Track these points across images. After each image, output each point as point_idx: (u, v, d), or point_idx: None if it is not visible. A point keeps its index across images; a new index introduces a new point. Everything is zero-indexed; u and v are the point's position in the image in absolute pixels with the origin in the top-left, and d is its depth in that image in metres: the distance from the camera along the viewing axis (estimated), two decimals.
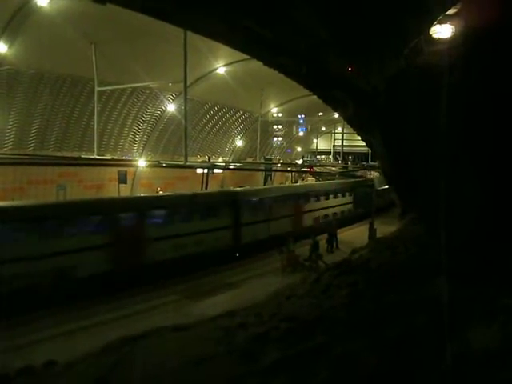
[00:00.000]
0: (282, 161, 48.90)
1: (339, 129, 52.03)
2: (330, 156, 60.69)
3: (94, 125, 25.17)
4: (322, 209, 25.98)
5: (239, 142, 43.48)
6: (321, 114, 43.89)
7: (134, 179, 30.90)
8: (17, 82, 23.55)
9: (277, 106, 41.22)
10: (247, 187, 30.57)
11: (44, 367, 6.47)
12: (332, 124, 55.22)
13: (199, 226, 17.44)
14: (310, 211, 24.76)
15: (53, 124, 26.96)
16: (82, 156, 27.03)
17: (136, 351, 6.04)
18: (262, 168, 38.31)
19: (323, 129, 57.60)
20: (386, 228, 20.10)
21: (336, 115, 34.74)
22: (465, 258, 6.19)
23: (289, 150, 54.58)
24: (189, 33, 16.23)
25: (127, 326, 10.10)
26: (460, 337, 4.54)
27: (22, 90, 24.10)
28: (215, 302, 12.40)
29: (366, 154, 51.04)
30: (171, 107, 31.53)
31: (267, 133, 45.22)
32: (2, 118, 23.92)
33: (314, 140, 60.02)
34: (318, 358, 4.79)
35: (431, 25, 5.91)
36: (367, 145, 12.96)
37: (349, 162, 53.84)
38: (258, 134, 39.27)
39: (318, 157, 60.22)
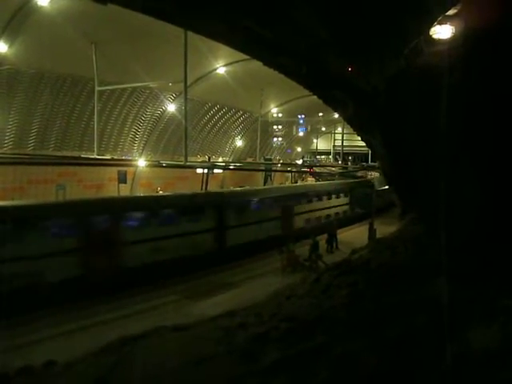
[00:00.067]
0: (281, 161, 48.92)
1: (339, 129, 52.06)
2: (330, 156, 60.72)
3: (94, 124, 25.19)
4: (315, 210, 25.10)
5: (239, 142, 43.50)
6: (321, 114, 43.92)
7: (133, 179, 30.91)
8: (17, 81, 23.56)
9: (277, 106, 41.25)
10: (247, 187, 30.61)
11: (43, 367, 6.47)
12: (332, 124, 55.26)
13: (180, 228, 16.70)
14: (303, 213, 23.92)
15: (53, 124, 26.97)
16: (82, 156, 27.04)
17: (136, 351, 6.04)
18: (262, 168, 38.32)
19: (323, 129, 57.62)
20: (385, 228, 20.09)
21: (336, 115, 34.77)
22: (465, 258, 6.19)
23: (289, 151, 54.60)
24: (189, 33, 16.26)
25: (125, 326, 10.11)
26: (460, 337, 4.54)
27: (23, 90, 24.10)
28: (215, 302, 12.40)
29: (366, 155, 51.12)
30: (171, 107, 31.55)
31: (267, 133, 45.24)
32: (2, 117, 23.93)
33: (314, 140, 60.06)
34: (318, 357, 4.79)
35: (431, 25, 5.91)
36: (367, 145, 12.95)
37: (349, 163, 53.88)
38: (258, 134, 39.30)
39: (317, 157, 60.26)
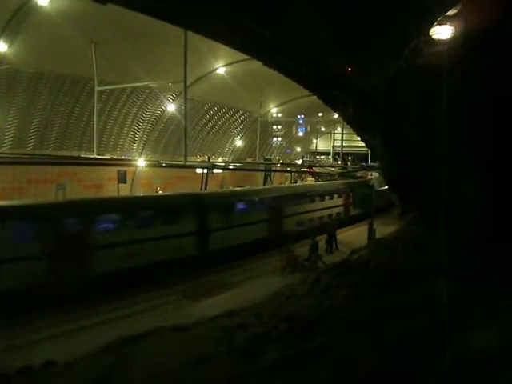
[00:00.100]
0: (281, 161, 48.92)
1: (339, 129, 52.04)
2: (330, 156, 60.72)
3: (93, 124, 25.16)
4: (307, 212, 24.26)
5: (239, 142, 43.49)
6: (320, 114, 43.91)
7: (133, 179, 30.89)
8: (17, 81, 23.53)
9: (276, 107, 41.24)
10: (245, 187, 30.59)
11: (43, 367, 6.47)
12: (331, 124, 55.27)
13: (158, 232, 15.90)
14: (293, 215, 23.10)
15: (52, 123, 26.94)
16: (82, 155, 27.02)
17: (136, 351, 6.04)
18: (262, 168, 38.31)
19: (323, 129, 57.64)
20: (385, 228, 20.12)
21: (336, 116, 34.76)
22: (465, 258, 6.19)
23: (288, 151, 54.61)
24: (189, 33, 16.24)
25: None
26: (460, 337, 4.54)
27: (22, 89, 24.07)
28: (215, 303, 12.39)
29: (366, 155, 51.15)
30: (171, 107, 31.53)
31: (267, 133, 45.24)
32: (1, 117, 23.90)
33: (314, 140, 60.05)
34: (318, 358, 4.79)
35: (431, 26, 5.91)
36: (366, 145, 12.97)
37: (348, 163, 53.90)
38: (258, 134, 39.27)
39: (317, 157, 60.26)
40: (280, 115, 42.50)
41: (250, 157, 44.74)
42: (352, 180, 32.92)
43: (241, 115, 41.31)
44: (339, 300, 7.56)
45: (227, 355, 5.42)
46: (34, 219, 13.17)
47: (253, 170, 38.10)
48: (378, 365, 4.32)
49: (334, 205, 27.50)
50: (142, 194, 27.80)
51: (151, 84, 26.52)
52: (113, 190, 28.33)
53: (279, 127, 46.38)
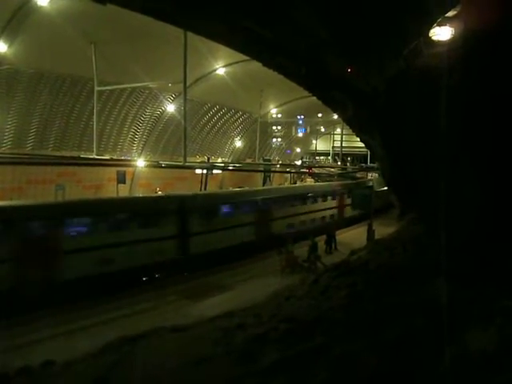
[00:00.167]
0: (280, 162, 48.92)
1: (338, 130, 52.09)
2: (329, 157, 60.74)
3: (93, 124, 25.16)
4: (296, 215, 23.55)
5: (238, 143, 43.51)
6: (320, 115, 43.92)
7: (132, 179, 30.88)
8: (16, 81, 23.53)
9: (276, 107, 41.25)
10: (246, 188, 30.57)
11: (42, 367, 6.46)
12: (331, 125, 55.31)
13: (135, 235, 15.27)
14: (281, 218, 22.45)
15: (52, 123, 26.95)
16: (81, 156, 27.00)
17: (135, 351, 6.04)
18: (261, 169, 38.31)
19: (322, 130, 57.67)
20: (384, 229, 20.11)
21: (335, 116, 34.78)
22: (464, 258, 6.19)
23: (288, 151, 54.63)
24: (189, 33, 16.25)
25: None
26: (458, 338, 4.54)
27: (22, 90, 24.08)
28: (214, 303, 12.39)
29: (365, 156, 51.10)
30: (171, 107, 31.54)
31: (266, 134, 45.26)
32: (1, 117, 23.90)
33: (314, 141, 60.06)
34: (318, 358, 4.79)
35: (431, 27, 5.92)
36: (366, 146, 12.97)
37: (348, 164, 53.91)
38: (258, 134, 39.28)
39: (317, 158, 60.27)
40: (280, 116, 42.51)
41: (249, 157, 44.75)
42: (349, 181, 32.67)
43: (240, 116, 41.33)
44: (338, 301, 7.56)
45: (226, 356, 5.42)
46: None
47: (252, 170, 38.07)
48: (378, 365, 4.32)
49: (326, 207, 26.84)
50: (118, 195, 26.64)
51: (151, 84, 26.54)
52: (112, 190, 28.31)
53: (279, 128, 46.39)
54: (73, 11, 18.80)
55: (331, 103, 9.79)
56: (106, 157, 27.76)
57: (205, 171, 30.22)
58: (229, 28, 6.28)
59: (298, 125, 47.25)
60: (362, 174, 39.29)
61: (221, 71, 29.61)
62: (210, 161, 36.15)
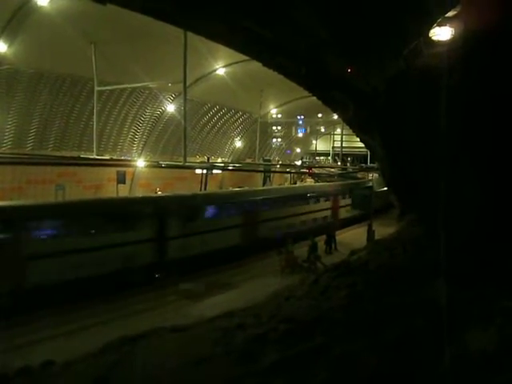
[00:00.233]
0: (280, 162, 48.93)
1: (338, 130, 52.11)
2: (329, 157, 60.76)
3: (93, 124, 25.18)
4: (284, 218, 22.41)
5: (238, 143, 43.52)
6: (320, 115, 43.94)
7: (132, 179, 30.88)
8: (16, 81, 23.53)
9: (276, 107, 41.26)
10: (246, 188, 30.56)
11: (42, 367, 6.46)
12: (331, 125, 55.33)
13: (107, 239, 14.44)
14: (267, 221, 21.45)
15: (52, 123, 26.95)
16: (81, 156, 27.00)
17: (135, 351, 6.03)
18: (261, 169, 38.32)
19: (322, 130, 57.69)
20: (384, 229, 20.10)
21: (335, 117, 34.79)
22: (464, 258, 6.19)
23: (288, 151, 54.65)
24: (189, 33, 16.25)
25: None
26: (458, 339, 4.54)
27: (22, 90, 24.08)
28: (214, 303, 12.39)
29: (365, 156, 51.10)
30: (171, 107, 31.55)
31: (266, 134, 45.27)
32: (1, 117, 23.91)
33: (314, 141, 60.09)
34: (317, 358, 4.79)
35: (431, 27, 5.92)
36: (366, 146, 12.98)
37: (348, 164, 53.92)
38: (258, 134, 39.29)
39: (317, 158, 60.28)
40: (280, 116, 42.53)
41: (249, 157, 44.76)
42: (344, 182, 32.23)
43: (240, 116, 41.34)
44: (338, 301, 7.55)
45: (226, 356, 5.42)
46: None
47: (252, 170, 38.08)
48: (378, 366, 4.32)
49: (317, 209, 25.95)
50: (97, 196, 26.41)
51: (151, 84, 26.56)
52: (112, 190, 28.31)
53: (279, 128, 46.40)
54: (73, 11, 18.81)
55: (331, 103, 9.79)
56: (106, 157, 27.78)
57: (205, 171, 30.24)
58: (229, 28, 6.28)
59: (298, 125, 47.26)
60: (362, 174, 39.33)
61: (221, 71, 29.62)
62: (210, 161, 36.16)
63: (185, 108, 21.35)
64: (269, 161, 43.14)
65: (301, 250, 17.19)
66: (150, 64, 24.46)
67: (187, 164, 23.33)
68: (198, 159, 36.81)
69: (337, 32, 5.97)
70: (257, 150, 40.47)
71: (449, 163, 5.83)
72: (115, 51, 22.93)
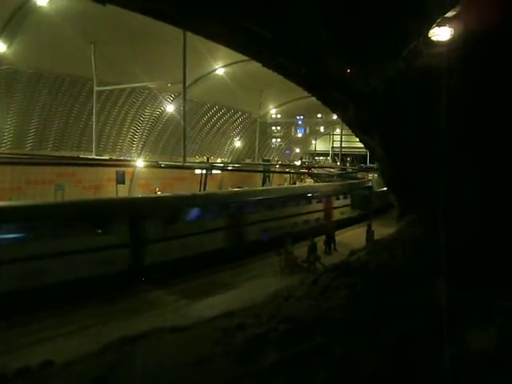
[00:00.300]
0: (280, 162, 48.90)
1: (338, 130, 52.09)
2: (329, 157, 60.76)
3: (92, 125, 25.14)
4: (272, 220, 21.54)
5: (238, 143, 43.50)
6: (319, 115, 43.92)
7: (132, 180, 30.86)
8: (15, 81, 23.50)
9: (276, 108, 41.24)
10: (245, 188, 30.55)
11: (41, 367, 6.45)
12: (331, 126, 55.31)
13: (76, 244, 13.57)
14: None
15: (51, 123, 26.91)
16: (81, 156, 26.97)
17: (135, 351, 6.03)
18: (261, 169, 38.31)
19: (322, 130, 57.66)
20: (384, 230, 20.13)
21: (335, 117, 34.79)
22: (464, 259, 6.20)
23: (288, 152, 54.63)
24: (188, 34, 16.23)
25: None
26: (458, 339, 4.54)
27: (21, 90, 24.04)
28: (214, 303, 12.38)
29: (365, 156, 51.07)
30: (170, 108, 31.51)
31: (266, 134, 45.24)
32: (0, 117, 23.88)
33: (313, 141, 60.06)
34: (317, 358, 4.79)
35: (430, 27, 5.92)
36: (365, 146, 12.98)
37: (347, 164, 53.91)
38: (257, 135, 39.27)
39: (316, 158, 60.26)
40: (279, 116, 42.49)
41: (248, 158, 44.74)
42: (344, 182, 31.97)
43: (240, 116, 41.32)
44: (338, 301, 7.56)
45: (226, 356, 5.42)
46: None
47: (252, 171, 38.06)
48: (378, 366, 4.32)
49: (308, 210, 25.03)
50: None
51: (150, 84, 26.52)
52: (111, 190, 28.26)
53: (278, 128, 46.36)
54: (72, 11, 18.78)
55: (331, 104, 9.79)
56: (106, 157, 27.73)
57: (204, 171, 30.22)
58: (228, 28, 6.28)
59: (298, 125, 47.23)
60: (362, 174, 39.35)
61: (220, 71, 29.61)
62: (210, 161, 36.15)
63: (184, 108, 21.34)
64: (268, 161, 43.12)
65: (300, 251, 17.17)
66: (149, 64, 24.44)
67: (187, 164, 23.31)
68: (198, 159, 36.80)
69: (337, 32, 5.97)
70: (256, 150, 40.45)
71: (449, 163, 5.83)
72: (115, 51, 22.91)
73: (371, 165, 39.07)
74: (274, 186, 37.47)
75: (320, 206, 26.06)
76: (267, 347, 5.45)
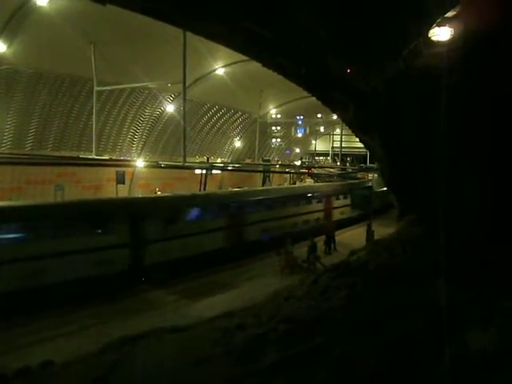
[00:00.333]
0: (280, 162, 48.90)
1: (338, 130, 52.10)
2: (329, 157, 60.77)
3: (92, 125, 25.14)
4: (268, 221, 21.24)
5: (238, 143, 43.51)
6: (319, 115, 43.92)
7: (132, 180, 30.86)
8: (15, 81, 23.50)
9: (276, 108, 41.25)
10: (246, 188, 30.55)
11: (41, 368, 6.45)
12: (331, 126, 55.31)
13: (75, 244, 13.46)
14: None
15: (51, 124, 26.92)
16: (81, 156, 26.97)
17: (135, 351, 6.03)
18: (261, 169, 38.31)
19: (322, 130, 57.66)
20: (384, 229, 20.13)
21: (335, 117, 34.78)
22: (464, 259, 6.20)
23: (288, 152, 54.64)
24: (188, 34, 16.23)
25: None
26: (458, 339, 4.54)
27: (21, 90, 24.04)
28: (213, 303, 12.38)
29: (365, 156, 51.08)
30: (170, 108, 31.52)
31: (266, 134, 45.25)
32: (0, 117, 23.88)
33: (313, 141, 60.06)
34: (317, 358, 4.79)
35: (430, 27, 5.92)
36: (365, 146, 12.97)
37: (347, 164, 53.92)
38: (257, 135, 39.27)
39: (316, 158, 60.27)
40: (279, 116, 42.50)
41: (248, 158, 44.75)
42: (344, 182, 31.93)
43: (240, 116, 41.33)
44: (338, 301, 7.56)
45: (226, 356, 5.42)
46: None
47: (252, 171, 38.06)
48: (378, 366, 4.32)
49: (308, 210, 24.85)
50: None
51: (150, 85, 26.52)
52: (111, 190, 28.26)
53: (278, 128, 46.36)
54: (72, 11, 18.79)
55: (331, 104, 9.78)
56: (106, 157, 27.73)
57: (204, 171, 30.22)
58: (228, 28, 6.28)
59: (298, 125, 47.23)
60: (362, 174, 39.35)
61: (220, 71, 29.61)
62: (210, 161, 36.14)
63: (184, 108, 21.34)
64: (268, 161, 43.13)
65: (300, 251, 17.18)
66: (149, 64, 24.44)
67: (187, 164, 23.30)
68: (198, 159, 36.80)
69: (337, 32, 5.97)
70: (256, 150, 40.45)
71: (449, 163, 5.83)
72: (115, 51, 22.90)
73: (371, 165, 39.08)
74: (273, 186, 37.47)
75: (320, 206, 26.08)
76: (267, 347, 5.45)
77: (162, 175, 33.06)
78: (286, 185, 40.36)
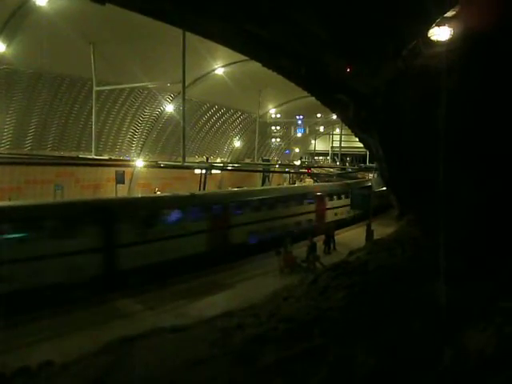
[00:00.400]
0: (279, 162, 48.90)
1: (337, 130, 52.10)
2: (328, 157, 60.77)
3: (91, 125, 25.12)
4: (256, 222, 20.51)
5: (237, 143, 43.51)
6: (319, 115, 43.94)
7: (131, 179, 30.86)
8: (15, 81, 23.49)
9: (275, 107, 41.25)
10: (245, 188, 30.53)
11: (41, 368, 6.45)
12: (330, 125, 55.32)
13: (40, 248, 12.47)
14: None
15: (51, 123, 26.91)
16: (80, 156, 26.96)
17: (134, 352, 6.03)
18: (260, 169, 38.30)
19: (321, 130, 57.65)
20: (383, 229, 20.13)
21: (334, 117, 34.80)
22: (462, 259, 6.20)
23: (287, 151, 54.64)
24: (187, 33, 16.22)
25: None
26: (456, 339, 4.54)
27: (20, 90, 24.03)
28: (213, 303, 12.37)
29: (364, 156, 51.09)
30: (169, 107, 31.51)
31: (265, 134, 45.24)
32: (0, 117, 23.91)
33: (312, 141, 60.05)
34: (317, 358, 4.79)
35: (429, 27, 5.92)
36: (365, 146, 12.97)
37: (347, 164, 53.93)
38: (257, 135, 39.27)
39: (316, 158, 60.27)
40: (279, 116, 42.50)
41: (248, 157, 44.75)
42: (343, 182, 31.94)
43: (239, 116, 41.33)
44: (337, 301, 7.55)
45: (225, 356, 5.42)
46: None
47: (251, 170, 38.07)
48: (376, 365, 4.32)
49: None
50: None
51: (150, 84, 26.50)
52: (111, 190, 28.28)
53: (278, 128, 46.31)
54: (71, 11, 18.78)
55: (330, 103, 9.78)
56: (105, 157, 27.72)
57: (203, 171, 30.21)
58: (228, 28, 6.27)
59: (297, 125, 47.20)
60: (362, 174, 39.36)
61: (219, 71, 29.62)
62: (209, 161, 36.14)
63: (184, 108, 21.32)
64: (268, 161, 43.15)
65: (300, 250, 17.17)
66: (148, 64, 24.44)
67: (186, 164, 23.28)
68: (197, 159, 36.79)
69: (336, 33, 5.97)
70: (256, 150, 40.44)
71: (448, 163, 5.83)
72: (114, 51, 22.91)
73: (371, 165, 39.08)
74: (273, 186, 37.46)
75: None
76: (266, 347, 5.45)
77: (161, 175, 33.07)
78: (285, 184, 40.34)
